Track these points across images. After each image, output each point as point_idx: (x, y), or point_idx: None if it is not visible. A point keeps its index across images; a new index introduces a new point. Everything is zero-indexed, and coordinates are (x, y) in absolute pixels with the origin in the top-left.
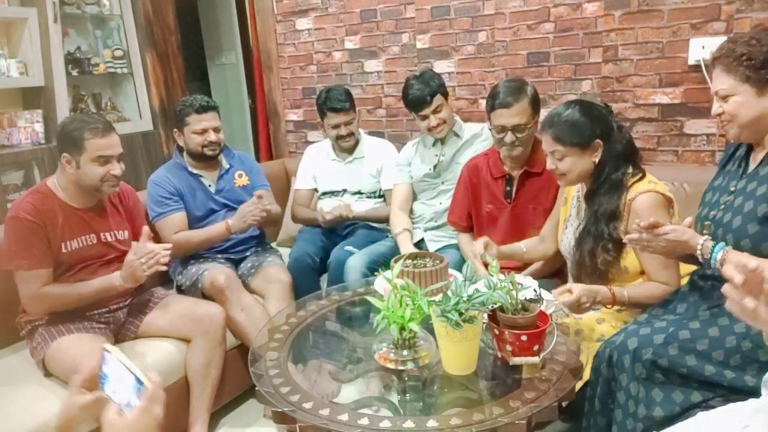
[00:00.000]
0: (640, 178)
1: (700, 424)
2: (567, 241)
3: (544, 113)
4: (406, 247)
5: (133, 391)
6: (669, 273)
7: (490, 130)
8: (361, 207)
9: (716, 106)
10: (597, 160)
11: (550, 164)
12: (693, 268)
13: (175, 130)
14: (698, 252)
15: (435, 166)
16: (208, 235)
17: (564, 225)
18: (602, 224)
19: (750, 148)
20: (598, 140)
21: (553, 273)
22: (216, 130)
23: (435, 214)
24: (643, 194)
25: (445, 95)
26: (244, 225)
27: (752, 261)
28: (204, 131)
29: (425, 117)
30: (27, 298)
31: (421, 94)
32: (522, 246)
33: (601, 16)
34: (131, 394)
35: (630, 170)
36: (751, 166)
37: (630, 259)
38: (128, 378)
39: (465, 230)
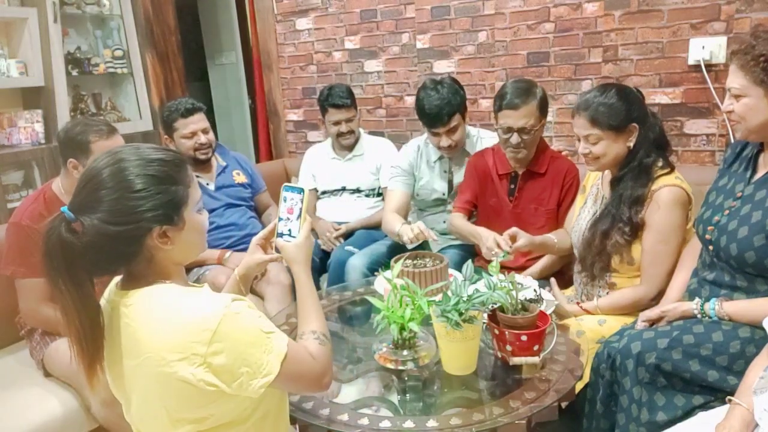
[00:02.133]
0: (668, 172)
1: (702, 424)
2: (579, 228)
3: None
4: (408, 231)
5: (297, 223)
6: (654, 274)
7: (496, 129)
8: (359, 207)
9: (728, 103)
10: (632, 144)
11: (582, 148)
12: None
13: (165, 136)
14: (698, 316)
15: (449, 191)
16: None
17: (579, 212)
18: (624, 207)
19: (759, 150)
20: (634, 124)
21: (554, 274)
22: (205, 131)
23: (437, 225)
24: (668, 187)
25: (464, 113)
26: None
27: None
28: (193, 134)
29: (437, 135)
30: (24, 310)
31: (438, 112)
32: (552, 237)
33: (601, 16)
34: (295, 225)
35: (660, 161)
36: (760, 171)
37: (638, 251)
38: (294, 214)
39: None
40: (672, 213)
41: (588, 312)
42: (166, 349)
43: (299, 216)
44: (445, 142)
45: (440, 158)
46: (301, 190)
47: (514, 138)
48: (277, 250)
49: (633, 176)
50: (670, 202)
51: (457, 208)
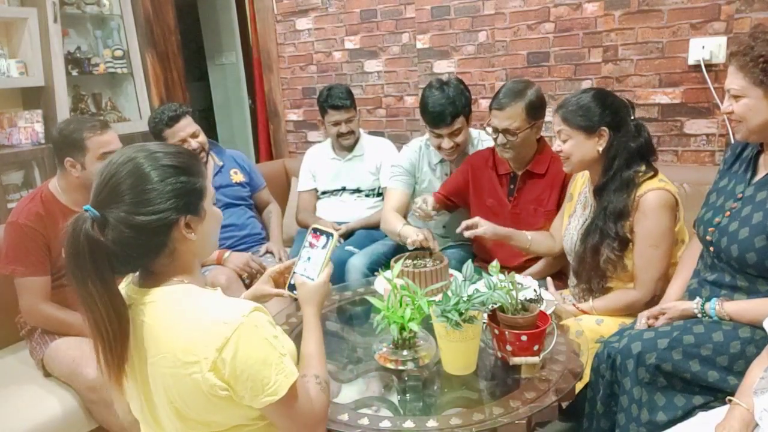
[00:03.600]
0: (652, 176)
1: (702, 424)
2: (569, 236)
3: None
4: (411, 234)
5: (319, 266)
6: (647, 279)
7: (485, 128)
8: (359, 207)
9: (727, 104)
10: (601, 148)
11: (556, 146)
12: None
13: None
14: (698, 316)
15: None
16: None
17: (568, 220)
18: (610, 222)
19: (759, 151)
20: (605, 128)
21: (554, 275)
22: (194, 135)
23: (436, 230)
24: (653, 191)
25: (468, 116)
26: (235, 268)
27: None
28: (183, 142)
29: (439, 136)
30: (25, 308)
31: (441, 111)
32: (527, 235)
33: (601, 16)
34: (316, 267)
35: (642, 168)
36: (761, 172)
37: (630, 260)
38: (317, 258)
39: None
40: (660, 218)
41: (584, 312)
42: (180, 349)
43: (323, 259)
44: (446, 144)
45: (441, 161)
46: (330, 235)
47: (500, 138)
48: (291, 288)
49: (615, 189)
50: (657, 207)
51: (434, 195)
